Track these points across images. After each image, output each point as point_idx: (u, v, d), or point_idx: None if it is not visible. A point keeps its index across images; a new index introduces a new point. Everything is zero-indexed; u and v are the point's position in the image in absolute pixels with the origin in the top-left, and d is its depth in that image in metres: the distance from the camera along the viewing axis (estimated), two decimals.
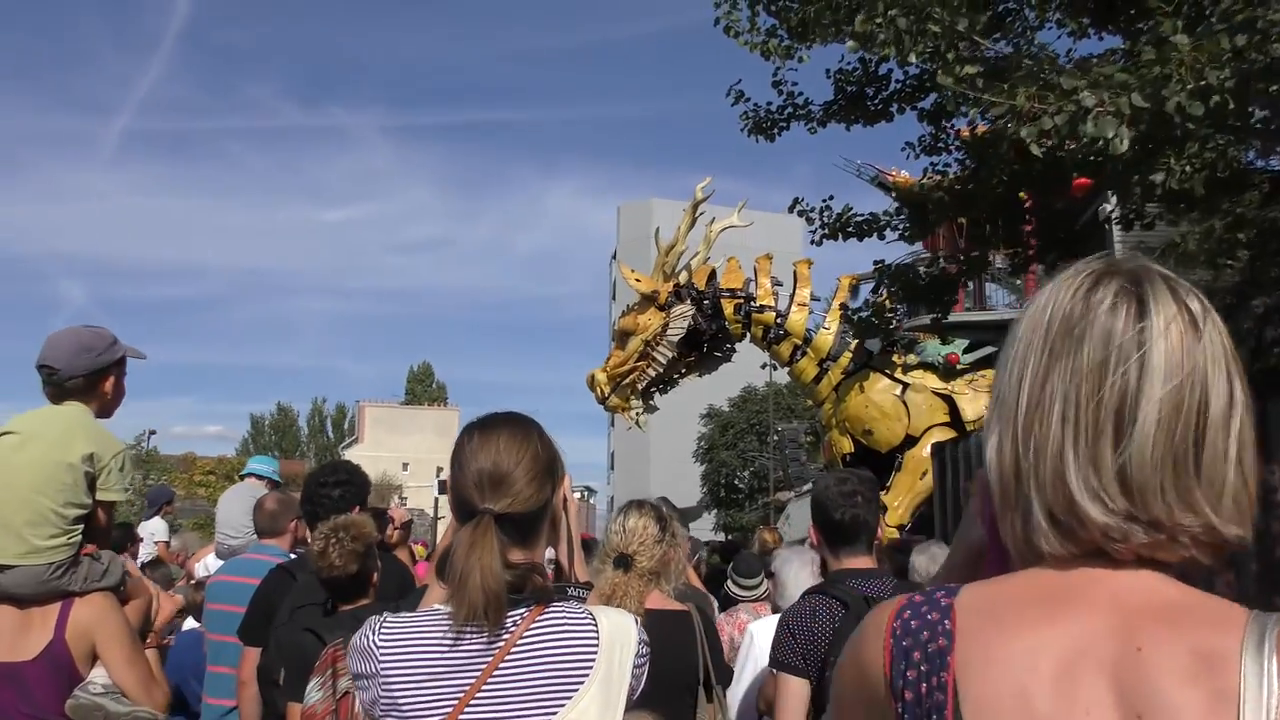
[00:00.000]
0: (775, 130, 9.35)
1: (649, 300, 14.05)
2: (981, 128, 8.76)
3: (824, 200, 10.79)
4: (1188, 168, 6.77)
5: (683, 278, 14.17)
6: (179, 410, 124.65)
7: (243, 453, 59.56)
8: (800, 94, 9.23)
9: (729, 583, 6.11)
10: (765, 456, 36.73)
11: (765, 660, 3.52)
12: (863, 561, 3.11)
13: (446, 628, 1.65)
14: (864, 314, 11.43)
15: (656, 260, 14.32)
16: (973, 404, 13.90)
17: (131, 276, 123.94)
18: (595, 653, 1.67)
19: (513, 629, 1.66)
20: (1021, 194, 9.66)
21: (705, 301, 14.08)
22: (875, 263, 16.17)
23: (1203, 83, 5.28)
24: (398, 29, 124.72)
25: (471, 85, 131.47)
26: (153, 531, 9.03)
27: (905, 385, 14.00)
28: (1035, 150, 5.95)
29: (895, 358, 14.21)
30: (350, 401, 67.92)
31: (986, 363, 14.33)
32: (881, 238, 13.43)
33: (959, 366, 14.12)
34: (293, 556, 4.47)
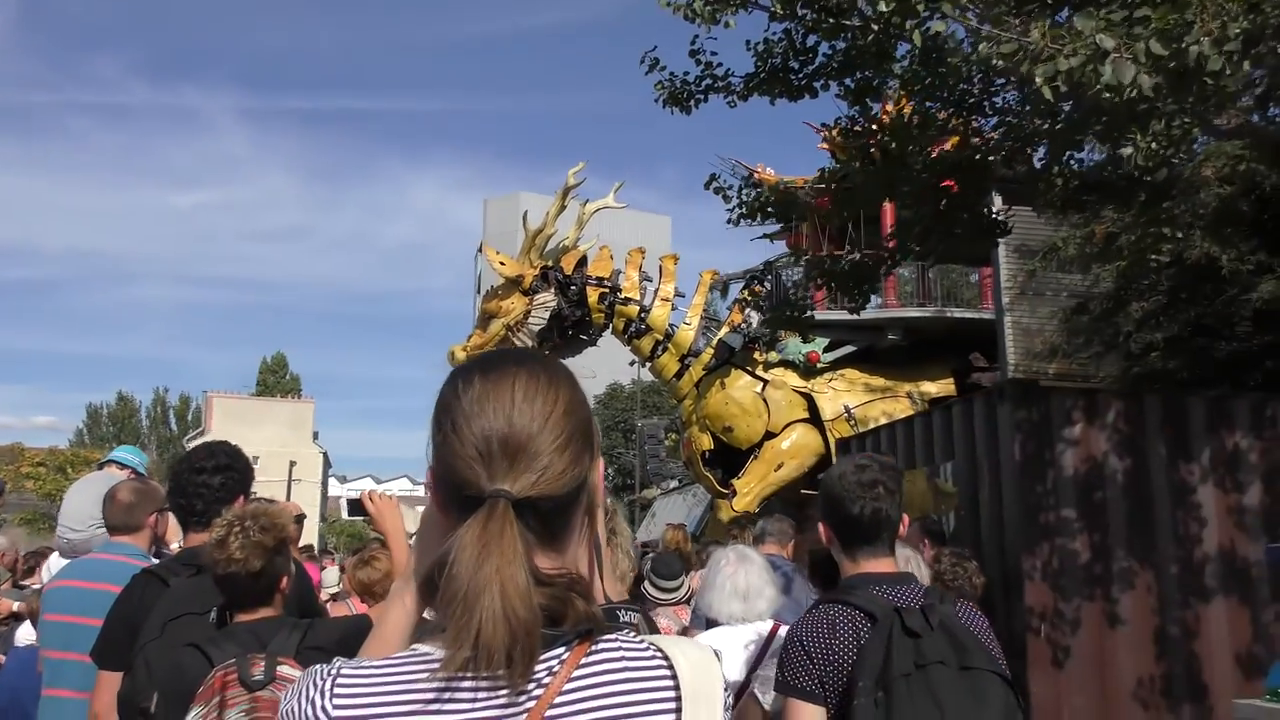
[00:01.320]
0: (692, 102, 8.93)
1: (513, 284, 13.73)
2: (906, 105, 8.64)
3: (743, 178, 10.42)
4: (1153, 145, 6.44)
5: (550, 260, 13.92)
6: (6, 400, 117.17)
7: (77, 444, 56.25)
8: (719, 65, 8.71)
9: (646, 585, 5.81)
10: (631, 454, 36.88)
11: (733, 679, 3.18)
12: (885, 564, 2.64)
13: (441, 683, 1.05)
14: (781, 308, 11.12)
15: (523, 244, 14.01)
16: (831, 402, 14.05)
17: None
18: (674, 709, 1.09)
19: (548, 680, 1.06)
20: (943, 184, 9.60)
21: (571, 287, 13.86)
22: (746, 271, 16.29)
23: (1223, 33, 4.94)
24: (258, 8, 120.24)
25: (336, 72, 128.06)
26: None
27: (765, 382, 14.09)
28: (1047, 93, 5.44)
29: (756, 355, 14.25)
30: (197, 392, 65.03)
31: (846, 361, 14.51)
32: (800, 219, 13.28)
33: (819, 365, 14.26)
34: (153, 559, 3.72)
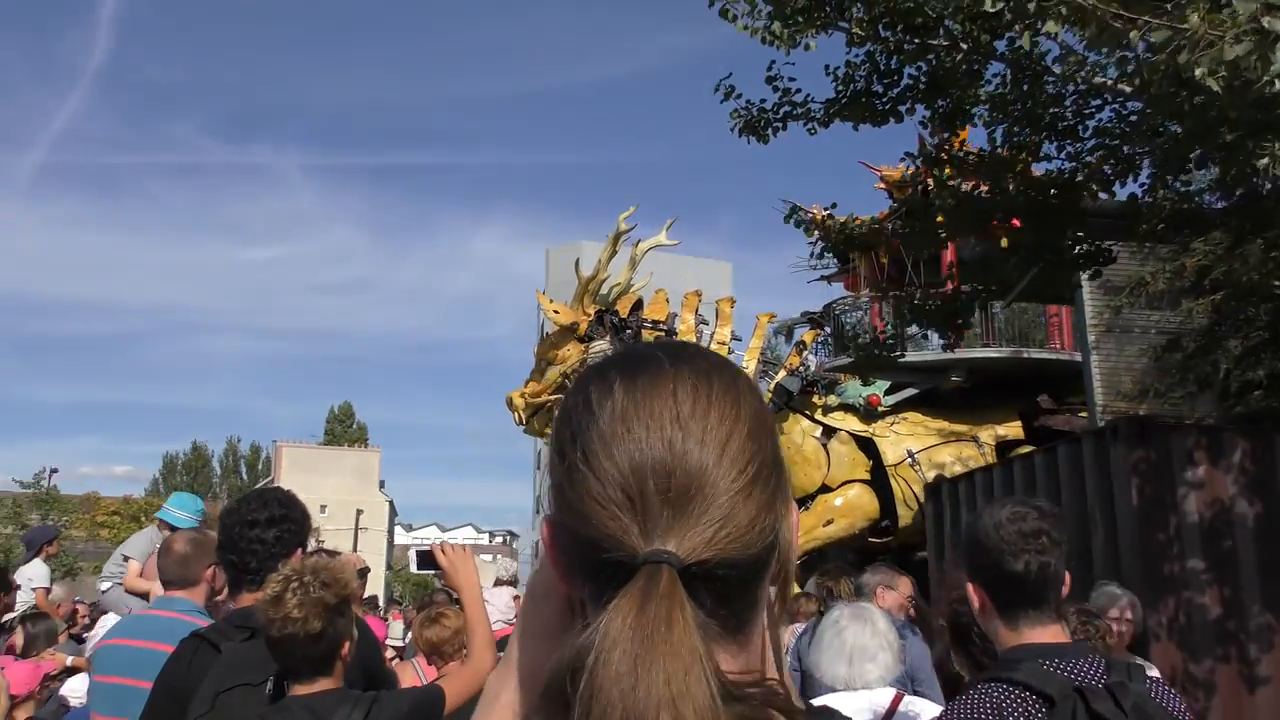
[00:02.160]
0: (770, 130, 8.49)
1: (568, 331, 13.68)
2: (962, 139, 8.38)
3: (827, 209, 10.13)
4: None
5: (604, 303, 13.86)
6: (86, 449, 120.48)
7: (152, 493, 57.43)
8: (798, 90, 8.38)
9: None
10: None
11: None
12: (1053, 632, 2.17)
13: None
14: (866, 344, 10.73)
15: (576, 290, 13.98)
16: (894, 447, 13.69)
17: (42, 312, 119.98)
18: None
19: None
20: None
21: (627, 330, 13.76)
22: (804, 313, 16.06)
23: None
24: (325, 69, 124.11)
25: (399, 128, 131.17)
26: (30, 577, 7.90)
27: (830, 431, 13.74)
28: (1213, 85, 4.89)
29: (815, 399, 13.97)
30: (267, 442, 66.18)
31: (908, 404, 14.14)
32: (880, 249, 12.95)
33: (880, 409, 13.92)
34: (211, 618, 3.45)
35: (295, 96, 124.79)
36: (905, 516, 13.35)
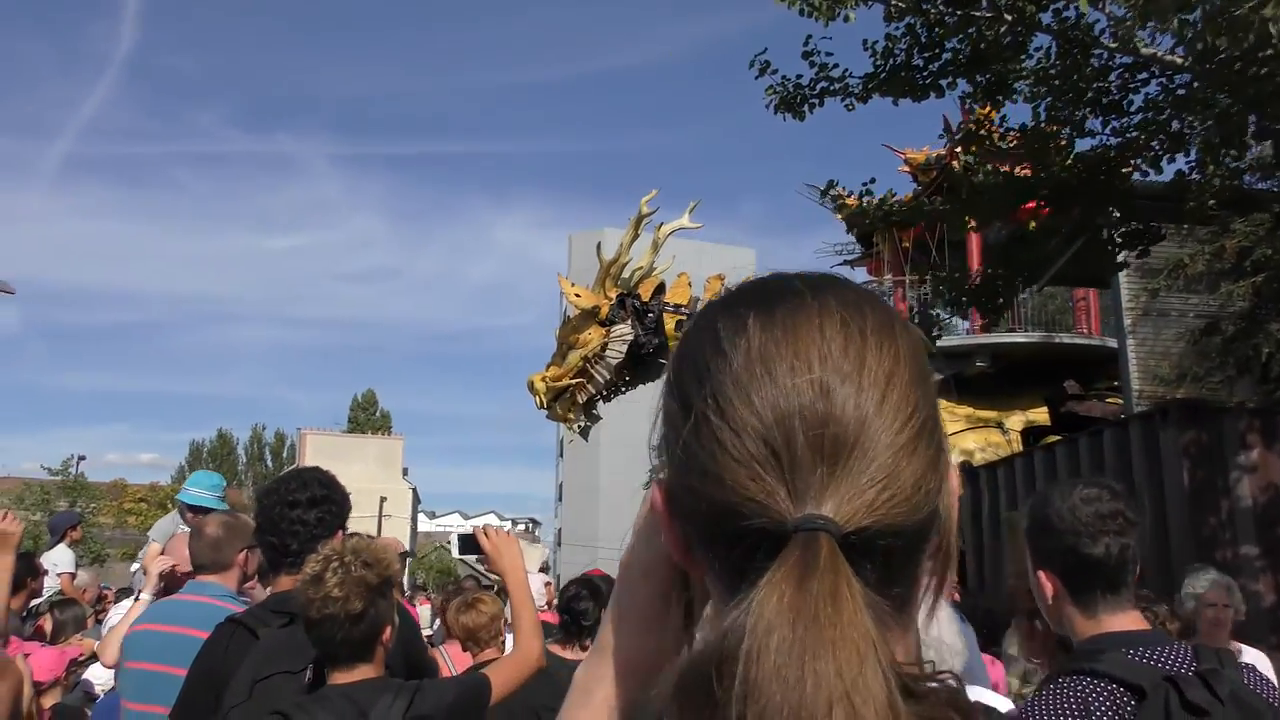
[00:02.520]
0: (806, 106, 8.35)
1: (590, 315, 13.60)
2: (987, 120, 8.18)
3: (864, 184, 9.91)
4: None
5: (626, 287, 13.77)
6: (113, 437, 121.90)
7: (178, 480, 57.97)
8: (835, 66, 8.18)
9: None
10: None
11: None
12: (1133, 619, 2.01)
13: None
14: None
15: (598, 274, 13.90)
16: None
17: (70, 301, 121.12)
18: None
19: None
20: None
21: (648, 315, 13.67)
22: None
23: None
24: (348, 59, 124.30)
25: (422, 116, 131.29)
26: (55, 562, 7.82)
27: None
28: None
29: None
30: (291, 430, 66.66)
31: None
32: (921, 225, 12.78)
33: None
34: (243, 603, 3.37)
35: (317, 86, 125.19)
36: None
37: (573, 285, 14.04)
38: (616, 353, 13.47)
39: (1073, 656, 2.01)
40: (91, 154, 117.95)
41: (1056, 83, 7.58)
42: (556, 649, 4.26)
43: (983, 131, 13.81)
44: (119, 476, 50.11)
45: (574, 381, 13.55)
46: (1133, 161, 8.14)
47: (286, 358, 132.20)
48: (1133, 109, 7.94)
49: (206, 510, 5.40)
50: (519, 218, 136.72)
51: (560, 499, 64.84)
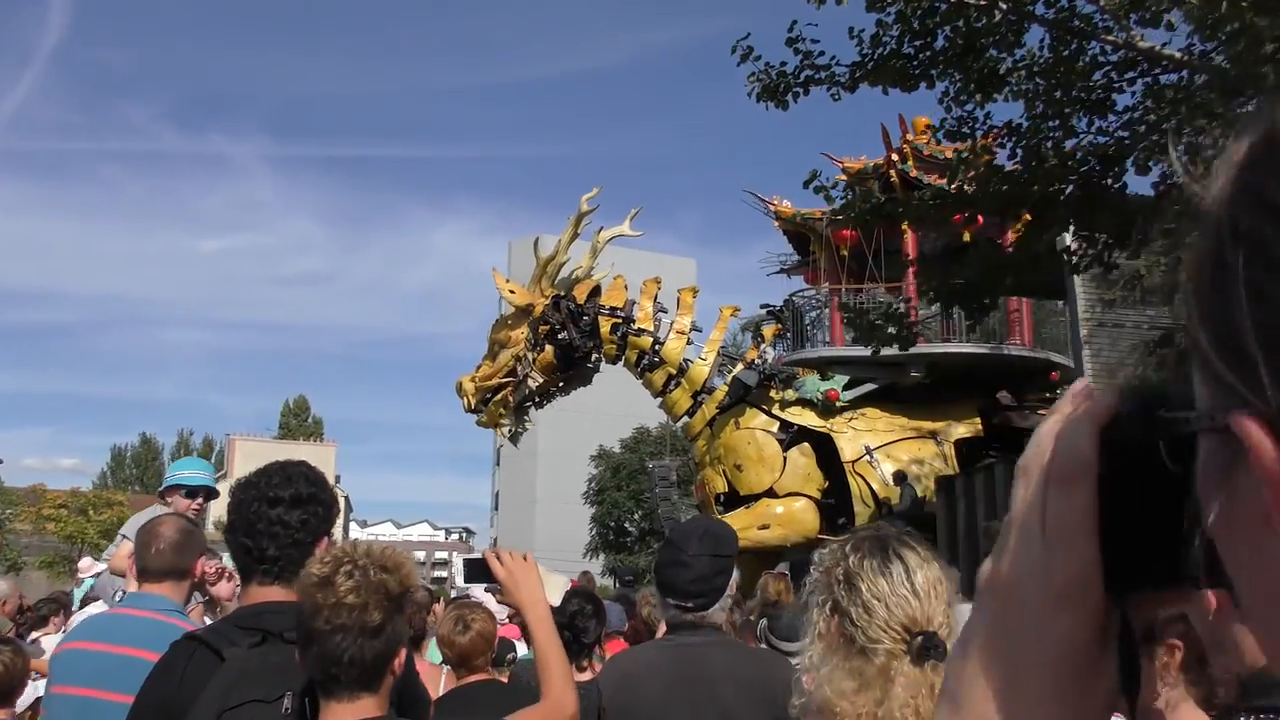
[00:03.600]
0: (790, 95, 8.07)
1: (523, 314, 13.32)
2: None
3: (867, 161, 9.54)
4: None
5: (562, 289, 13.53)
6: (32, 442, 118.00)
7: (100, 486, 56.18)
8: (821, 53, 7.91)
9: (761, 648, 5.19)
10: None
11: None
12: None
13: None
14: (876, 319, 10.20)
15: (534, 272, 13.63)
16: (851, 443, 13.44)
17: None
18: None
19: None
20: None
21: (584, 317, 13.42)
22: (762, 306, 15.77)
23: None
24: (285, 58, 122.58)
25: (360, 119, 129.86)
26: None
27: (787, 426, 13.40)
28: None
29: (773, 393, 13.70)
30: (220, 435, 65.07)
31: (866, 400, 13.90)
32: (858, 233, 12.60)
33: (838, 404, 13.68)
34: (197, 618, 2.99)
35: (254, 85, 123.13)
36: (862, 514, 13.10)
37: (508, 281, 13.75)
38: (538, 348, 13.20)
39: (1246, 691, 1.74)
40: (14, 148, 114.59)
41: (1053, 77, 7.40)
42: None
43: (921, 143, 13.78)
44: (38, 482, 48.26)
45: (505, 381, 13.27)
46: (1118, 165, 8.01)
47: (216, 362, 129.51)
48: (1119, 109, 7.86)
49: (209, 491, 5.14)
50: (458, 224, 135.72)
51: (496, 508, 64.20)
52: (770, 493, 13.16)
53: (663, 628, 4.34)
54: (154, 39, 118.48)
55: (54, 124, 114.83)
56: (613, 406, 36.97)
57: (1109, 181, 8.30)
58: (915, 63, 7.85)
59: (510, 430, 13.52)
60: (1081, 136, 8.28)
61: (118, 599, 3.57)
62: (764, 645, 4.68)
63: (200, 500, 5.11)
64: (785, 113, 8.31)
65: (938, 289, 9.49)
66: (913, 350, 13.88)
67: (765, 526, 12.96)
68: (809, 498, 13.15)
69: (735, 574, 2.84)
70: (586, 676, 4.00)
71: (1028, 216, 13.68)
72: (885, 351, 14.31)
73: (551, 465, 57.33)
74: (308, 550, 2.24)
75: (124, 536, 5.24)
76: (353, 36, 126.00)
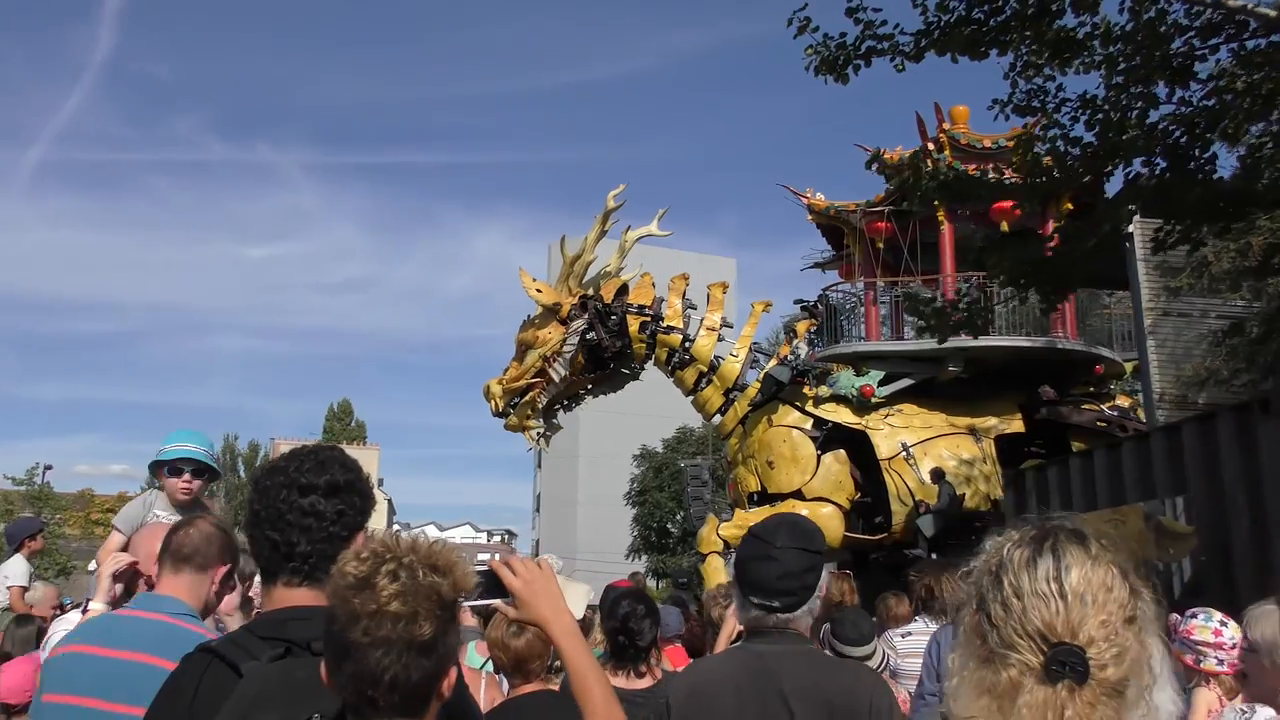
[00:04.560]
0: (851, 67, 7.77)
1: (550, 313, 13.13)
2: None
3: (944, 126, 9.07)
4: None
5: (590, 289, 13.33)
6: (83, 448, 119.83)
7: (147, 490, 56.91)
8: (883, 23, 7.59)
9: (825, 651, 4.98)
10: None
11: None
12: None
13: None
14: (945, 311, 9.69)
15: (561, 270, 13.43)
16: (888, 440, 13.08)
17: (44, 310, 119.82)
18: None
19: None
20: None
21: (612, 316, 13.19)
22: (796, 301, 15.45)
23: None
24: (328, 68, 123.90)
25: (401, 127, 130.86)
26: (7, 575, 7.20)
27: (821, 423, 13.06)
28: None
29: (806, 389, 13.39)
30: (265, 439, 65.73)
31: (902, 396, 13.52)
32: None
33: (873, 400, 13.32)
34: (216, 627, 2.70)
35: (297, 95, 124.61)
36: (899, 513, 12.76)
37: (534, 280, 13.55)
38: (572, 345, 13.00)
39: None
40: (67, 161, 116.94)
41: (1133, 42, 6.97)
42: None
43: (959, 131, 13.38)
44: (87, 487, 49.03)
45: (532, 382, 13.08)
46: (1205, 137, 7.54)
47: (262, 368, 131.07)
48: (1201, 77, 7.43)
49: (199, 467, 4.33)
50: (498, 229, 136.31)
51: (538, 510, 64.21)
52: (798, 494, 12.85)
53: (728, 626, 3.97)
54: (200, 52, 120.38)
55: (105, 137, 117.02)
56: (655, 407, 36.74)
57: (1197, 152, 7.77)
58: (985, 29, 7.45)
59: (539, 433, 13.33)
60: (1163, 108, 7.79)
61: (88, 603, 3.19)
62: (827, 651, 4.43)
63: (188, 477, 4.27)
64: (846, 86, 7.93)
65: (1011, 271, 8.99)
66: (951, 344, 13.54)
67: None
68: (836, 505, 12.79)
69: (825, 574, 2.53)
70: (646, 683, 3.78)
71: (1069, 206, 13.36)
72: (924, 344, 13.99)
73: (593, 467, 57.25)
74: (342, 546, 1.93)
75: (115, 528, 4.67)
76: (392, 45, 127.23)
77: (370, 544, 1.58)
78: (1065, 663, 1.32)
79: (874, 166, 9.11)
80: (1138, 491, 7.22)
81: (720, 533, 12.69)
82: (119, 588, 3.02)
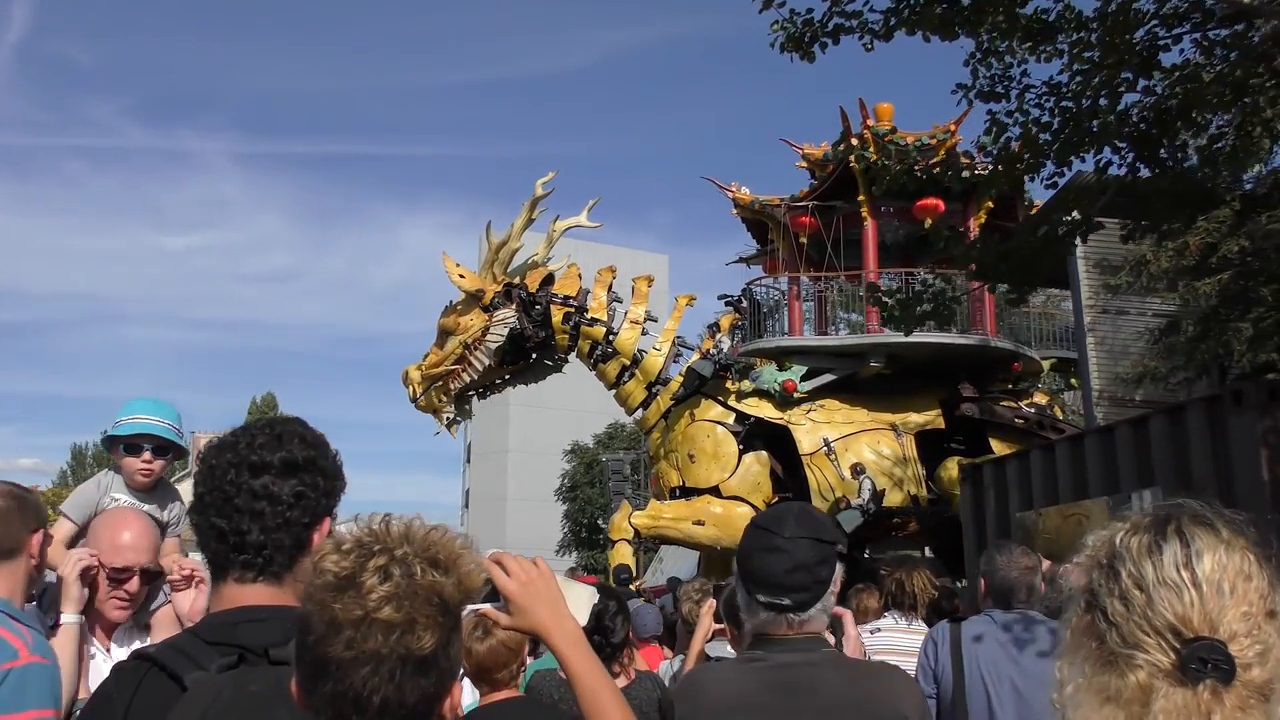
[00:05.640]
0: (816, 45, 7.59)
1: (473, 299, 12.90)
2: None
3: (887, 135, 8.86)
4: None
5: (515, 278, 13.11)
6: None
7: (60, 485, 55.18)
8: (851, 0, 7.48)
9: None
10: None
11: None
12: None
13: None
14: (913, 300, 9.48)
15: (485, 257, 13.20)
16: (809, 435, 13.09)
17: None
18: None
19: None
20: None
21: (535, 306, 13.01)
22: (720, 296, 15.38)
23: None
24: (253, 54, 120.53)
25: (329, 116, 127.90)
26: None
27: (743, 418, 13.02)
28: None
29: (729, 384, 13.34)
30: (186, 433, 64.12)
31: (824, 391, 13.55)
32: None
33: (796, 395, 13.33)
34: (26, 612, 2.33)
35: (221, 81, 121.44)
36: (821, 509, 12.74)
37: (457, 266, 13.28)
38: (498, 335, 12.78)
39: None
40: None
41: (1104, 25, 6.93)
42: None
43: (883, 129, 13.42)
44: None
45: (451, 368, 12.83)
46: (1173, 127, 7.51)
47: (182, 360, 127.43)
48: (1164, 66, 7.38)
49: (161, 444, 3.71)
50: (428, 222, 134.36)
51: (466, 506, 63.60)
52: (715, 490, 12.80)
53: (704, 625, 3.89)
54: (120, 34, 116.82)
55: (17, 119, 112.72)
56: (585, 402, 36.56)
57: (1165, 143, 7.75)
58: (959, 8, 7.37)
59: (449, 418, 13.09)
60: (1128, 97, 7.73)
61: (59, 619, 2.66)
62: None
63: (148, 456, 3.68)
64: (812, 64, 7.77)
65: (986, 263, 8.92)
66: (873, 339, 13.60)
67: (700, 522, 12.60)
68: (752, 506, 12.74)
69: (839, 570, 2.20)
70: (620, 683, 3.62)
71: (990, 204, 13.49)
72: (846, 340, 14.05)
73: (523, 462, 56.83)
74: (303, 535, 1.69)
75: (64, 515, 3.95)
76: (321, 33, 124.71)
77: (355, 532, 1.28)
78: (1207, 660, 1.14)
79: (839, 148, 8.83)
80: (1103, 484, 7.14)
81: (632, 520, 12.65)
82: (85, 591, 2.63)
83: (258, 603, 1.65)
